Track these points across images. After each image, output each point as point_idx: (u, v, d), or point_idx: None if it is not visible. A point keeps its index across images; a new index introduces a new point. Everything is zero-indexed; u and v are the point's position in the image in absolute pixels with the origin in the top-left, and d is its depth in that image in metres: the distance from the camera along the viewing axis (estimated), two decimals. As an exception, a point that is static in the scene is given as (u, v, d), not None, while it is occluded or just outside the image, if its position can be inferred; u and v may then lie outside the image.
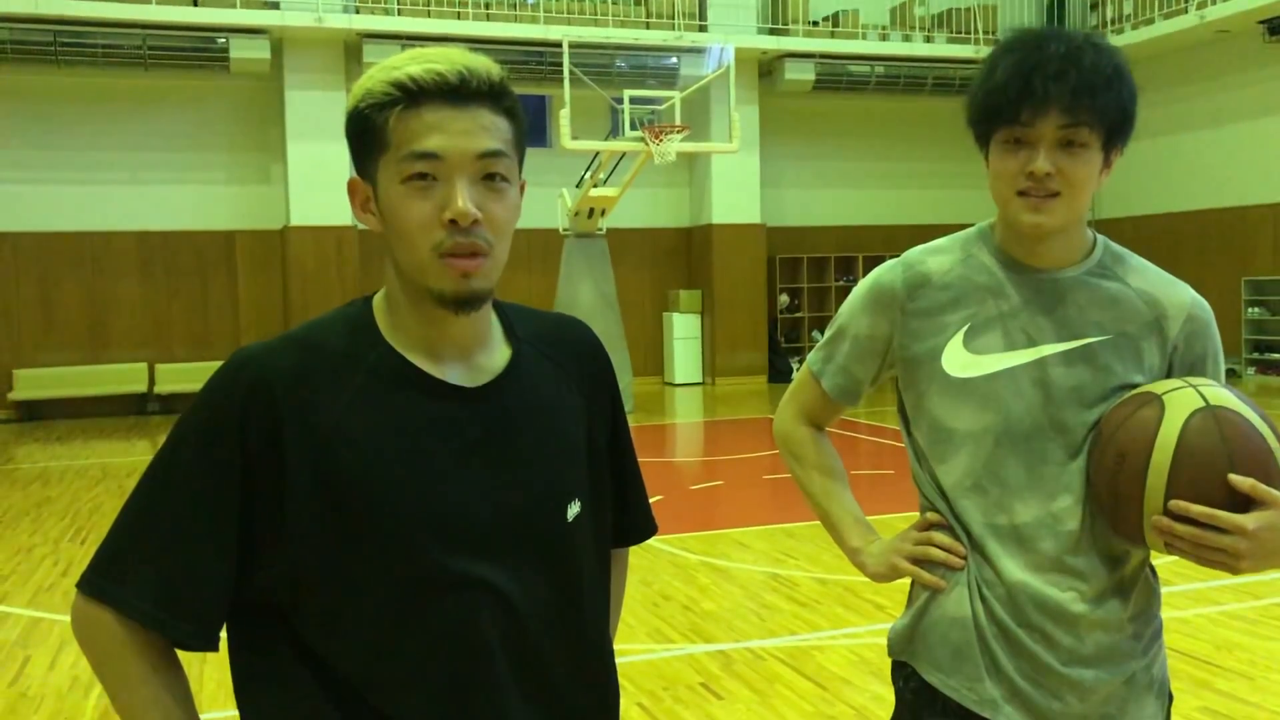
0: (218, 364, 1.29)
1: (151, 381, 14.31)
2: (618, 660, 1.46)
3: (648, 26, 15.35)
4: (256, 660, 1.28)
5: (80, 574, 1.27)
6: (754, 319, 16.30)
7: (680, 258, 16.66)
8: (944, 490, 1.68)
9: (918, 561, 1.70)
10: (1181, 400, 1.53)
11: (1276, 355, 14.92)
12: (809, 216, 17.18)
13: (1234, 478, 1.47)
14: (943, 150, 16.75)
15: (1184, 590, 5.38)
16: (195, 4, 13.41)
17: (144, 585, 1.22)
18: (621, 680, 1.55)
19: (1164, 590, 1.83)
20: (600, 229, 12.84)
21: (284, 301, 14.62)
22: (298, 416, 1.23)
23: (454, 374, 1.31)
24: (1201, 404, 1.52)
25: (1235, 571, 1.49)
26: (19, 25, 12.89)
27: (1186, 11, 14.85)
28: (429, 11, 14.37)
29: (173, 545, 1.23)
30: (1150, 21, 15.54)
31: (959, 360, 1.66)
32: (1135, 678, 1.66)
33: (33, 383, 13.88)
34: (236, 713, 1.33)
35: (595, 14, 15.01)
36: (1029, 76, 1.53)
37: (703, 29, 15.49)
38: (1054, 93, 1.52)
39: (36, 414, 13.91)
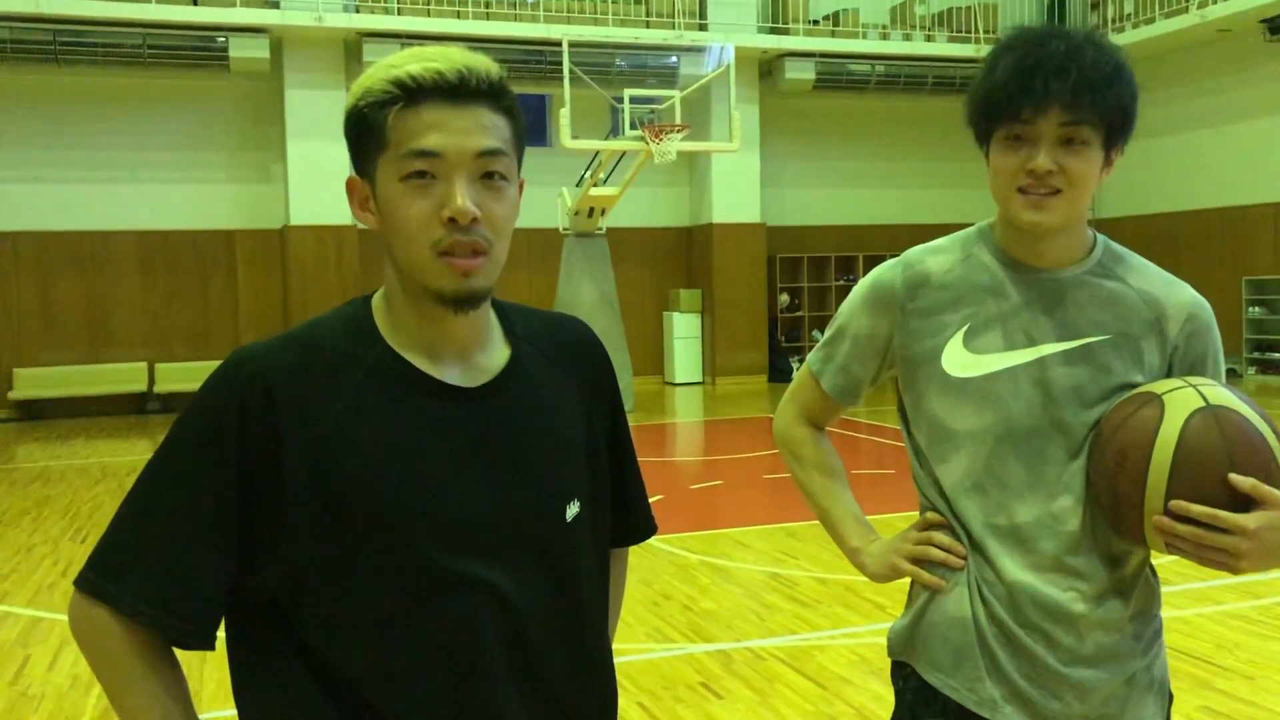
0: (218, 363, 1.29)
1: (151, 381, 14.31)
2: (618, 660, 1.46)
3: (648, 25, 15.35)
4: (255, 659, 1.28)
5: (79, 572, 1.27)
6: (754, 318, 16.30)
7: (680, 257, 16.66)
8: (944, 490, 1.68)
9: (918, 561, 1.69)
10: (1182, 400, 1.53)
11: (1277, 355, 14.92)
12: (809, 216, 17.18)
13: (1235, 477, 1.46)
14: (943, 150, 16.75)
15: (1184, 590, 5.37)
16: (195, 3, 13.40)
17: (141, 583, 1.22)
18: (621, 680, 1.55)
19: (1164, 590, 1.83)
20: (600, 228, 12.84)
21: (284, 301, 14.62)
22: (296, 416, 1.23)
23: (453, 374, 1.31)
24: (1202, 403, 1.52)
25: (1236, 571, 1.49)
26: (19, 24, 12.89)
27: (1187, 10, 14.84)
28: (429, 10, 14.36)
29: (170, 544, 1.23)
30: (1151, 20, 15.53)
31: (959, 360, 1.66)
32: (1135, 678, 1.66)
33: (33, 382, 13.89)
34: (236, 712, 1.32)
35: (595, 13, 15.00)
36: (1030, 74, 1.53)
37: (703, 28, 15.49)
38: (1055, 90, 1.52)
39: (37, 413, 13.91)
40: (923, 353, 1.69)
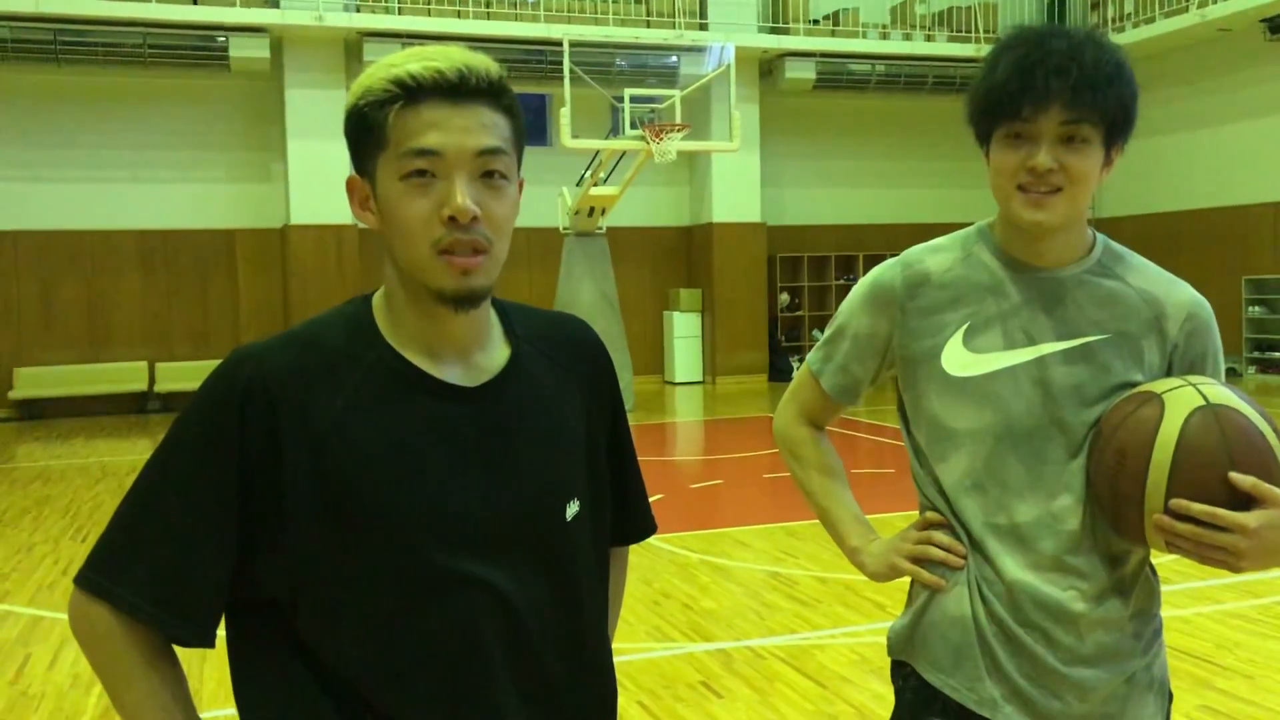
0: (218, 362, 1.29)
1: (152, 380, 14.31)
2: (618, 659, 1.46)
3: (648, 25, 15.35)
4: (255, 657, 1.28)
5: (78, 570, 1.27)
6: (754, 318, 16.30)
7: (680, 256, 16.66)
8: (944, 489, 1.68)
9: (918, 561, 1.69)
10: (1181, 399, 1.53)
11: (1277, 354, 14.92)
12: (809, 215, 17.18)
13: (1235, 476, 1.46)
14: (943, 149, 16.75)
15: (1184, 589, 5.37)
16: (195, 2, 13.41)
17: (140, 581, 1.22)
18: (622, 679, 1.55)
19: (1164, 589, 1.83)
20: (600, 228, 12.84)
21: (284, 300, 14.62)
22: (296, 415, 1.23)
23: (453, 373, 1.30)
24: (1201, 402, 1.52)
25: (1237, 570, 1.49)
26: (19, 24, 12.89)
27: (1187, 10, 14.84)
28: (429, 10, 14.36)
29: (169, 542, 1.23)
30: (1151, 20, 15.53)
31: (958, 359, 1.66)
32: (1135, 677, 1.66)
33: (33, 381, 13.89)
34: (236, 711, 1.32)
35: (596, 13, 15.00)
36: (1031, 71, 1.53)
37: (703, 28, 15.49)
38: (1056, 88, 1.52)
39: (37, 412, 13.91)
40: (922, 352, 1.69)
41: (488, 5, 14.67)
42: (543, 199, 12.87)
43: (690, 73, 13.75)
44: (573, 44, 12.22)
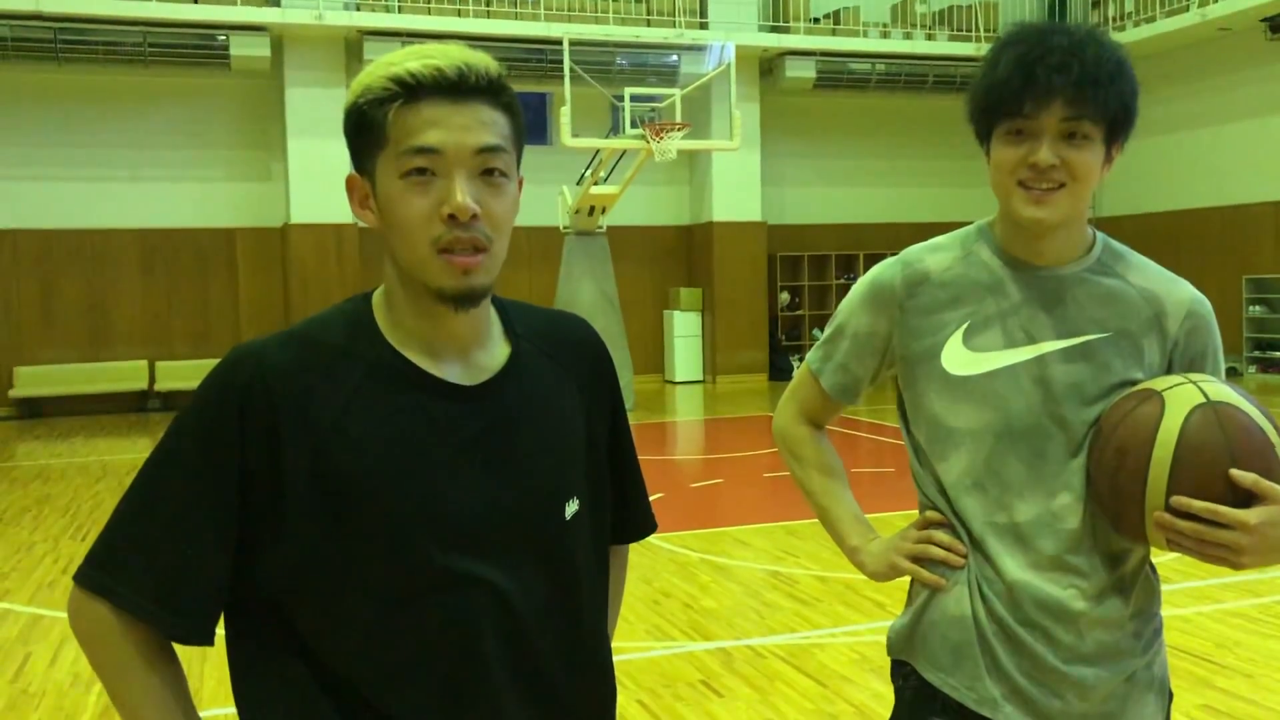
0: (218, 361, 1.28)
1: (152, 379, 14.31)
2: (618, 658, 1.46)
3: (648, 24, 15.35)
4: (254, 654, 1.28)
5: (78, 567, 1.27)
6: (754, 317, 16.30)
7: (681, 255, 16.66)
8: (944, 488, 1.67)
9: (918, 560, 1.69)
10: (1182, 396, 1.53)
11: (1278, 353, 14.91)
12: (810, 214, 17.18)
13: (1236, 472, 1.46)
14: (944, 148, 16.74)
15: (1184, 588, 5.37)
16: (195, 1, 13.40)
17: (139, 579, 1.22)
18: (622, 678, 1.55)
19: (1164, 588, 1.83)
20: (601, 227, 12.84)
21: (284, 299, 14.62)
22: (295, 413, 1.23)
23: (452, 372, 1.30)
24: (1202, 399, 1.51)
25: (1238, 567, 1.49)
26: (19, 22, 12.89)
27: (1188, 9, 14.83)
28: (429, 8, 14.36)
29: (168, 540, 1.23)
30: (1152, 19, 15.53)
31: (958, 358, 1.65)
32: (1136, 676, 1.66)
33: (33, 380, 13.89)
34: (235, 710, 1.32)
35: (596, 11, 15.00)
36: (1033, 68, 1.52)
37: (703, 26, 15.49)
38: (1058, 84, 1.51)
39: (37, 411, 13.91)
40: (922, 351, 1.69)
41: (488, 4, 14.67)
42: (543, 198, 12.87)
43: (690, 71, 13.75)
44: (573, 43, 12.22)
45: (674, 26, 15.22)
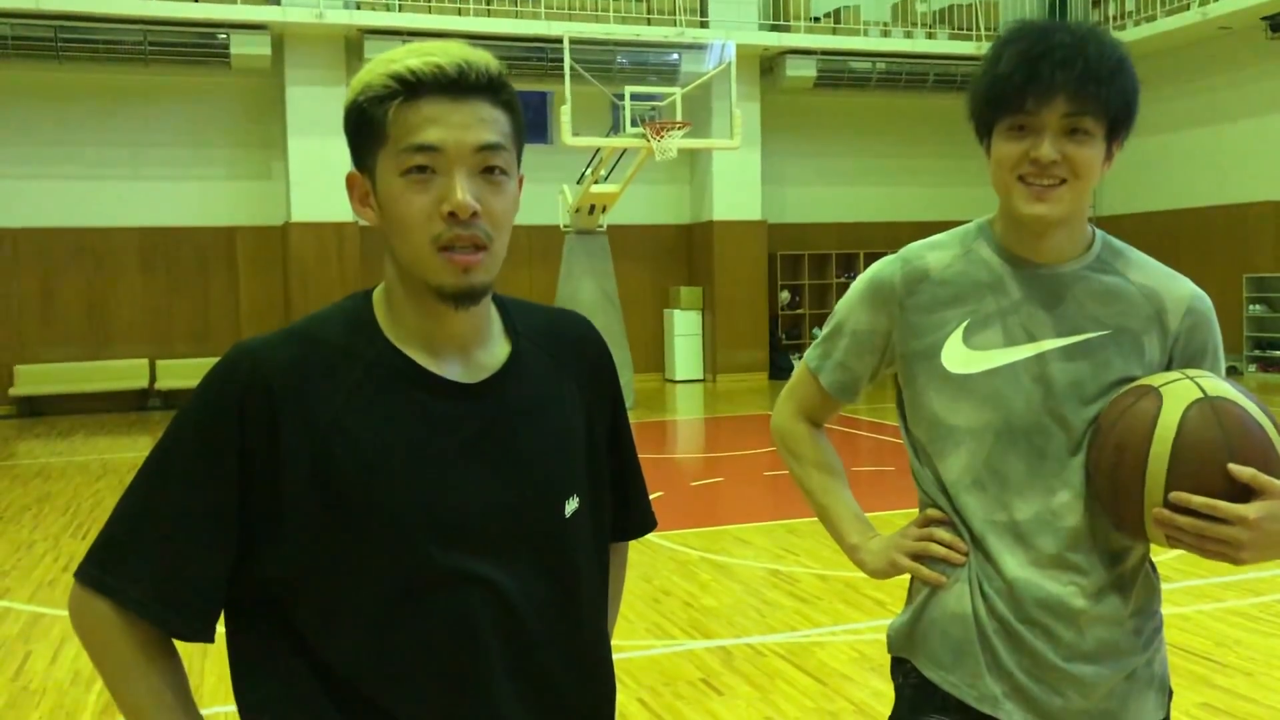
0: (218, 359, 1.29)
1: (152, 377, 14.31)
2: (618, 656, 1.46)
3: (649, 23, 15.34)
4: (254, 652, 1.28)
5: (79, 565, 1.27)
6: (755, 316, 16.30)
7: (681, 254, 16.66)
8: (944, 486, 1.67)
9: (918, 558, 1.69)
10: (1179, 392, 1.53)
11: (1278, 352, 14.91)
12: (810, 213, 17.18)
13: (1234, 467, 1.46)
14: (944, 147, 16.73)
15: (1184, 586, 5.37)
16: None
17: (140, 576, 1.22)
18: (622, 676, 1.55)
19: (1164, 586, 1.83)
20: (601, 225, 12.84)
21: (285, 297, 14.62)
22: (295, 411, 1.23)
23: (453, 370, 1.30)
24: (1199, 395, 1.52)
25: (1237, 562, 1.49)
26: (20, 20, 12.89)
27: (1189, 8, 14.83)
28: (430, 7, 14.36)
29: (169, 537, 1.23)
30: (1152, 18, 15.52)
31: (958, 356, 1.65)
32: (1136, 673, 1.66)
33: (34, 378, 13.89)
34: (236, 707, 1.33)
35: (596, 10, 14.99)
36: (1035, 64, 1.52)
37: (704, 25, 15.48)
38: (1060, 80, 1.52)
39: (37, 409, 13.91)
40: (922, 349, 1.69)
41: (488, 2, 14.67)
42: (543, 197, 12.87)
43: (691, 70, 13.75)
44: (573, 41, 12.22)
45: (674, 25, 15.22)
